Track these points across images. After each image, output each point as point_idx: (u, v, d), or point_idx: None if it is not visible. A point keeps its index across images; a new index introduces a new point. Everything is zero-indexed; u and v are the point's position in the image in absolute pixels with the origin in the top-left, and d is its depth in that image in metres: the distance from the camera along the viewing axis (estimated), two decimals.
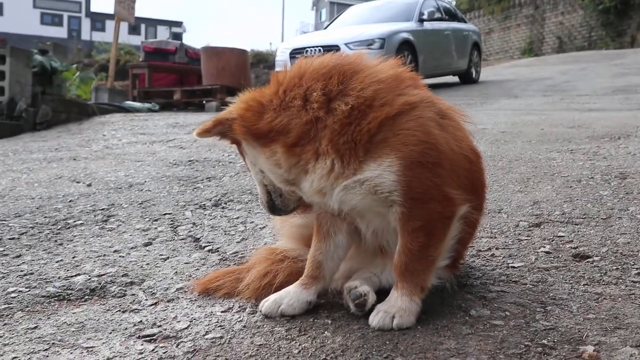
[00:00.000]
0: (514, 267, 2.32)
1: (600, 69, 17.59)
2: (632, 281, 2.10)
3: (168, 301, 2.14)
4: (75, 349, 1.77)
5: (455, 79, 16.92)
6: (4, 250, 2.85)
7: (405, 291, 1.83)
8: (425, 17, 14.94)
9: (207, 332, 1.84)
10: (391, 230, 1.91)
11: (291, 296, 1.95)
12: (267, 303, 1.94)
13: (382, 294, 1.93)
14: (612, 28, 27.93)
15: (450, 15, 16.87)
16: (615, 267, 2.25)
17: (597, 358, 1.55)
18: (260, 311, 1.94)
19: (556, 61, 22.22)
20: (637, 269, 2.22)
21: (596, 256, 2.38)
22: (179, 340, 1.79)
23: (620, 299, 1.95)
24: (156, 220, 3.33)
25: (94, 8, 61.38)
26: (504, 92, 13.14)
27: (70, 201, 3.83)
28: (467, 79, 16.67)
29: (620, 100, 9.76)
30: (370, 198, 1.79)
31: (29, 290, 2.29)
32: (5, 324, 1.98)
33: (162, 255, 2.71)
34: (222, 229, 3.12)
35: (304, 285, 1.97)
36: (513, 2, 33.46)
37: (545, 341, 1.67)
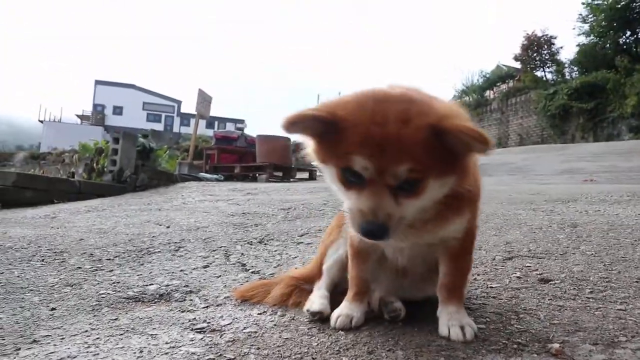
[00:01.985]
0: (492, 287, 2.14)
1: (550, 157, 17.35)
2: (587, 297, 1.93)
3: (217, 305, 2.01)
4: (143, 335, 1.66)
5: None
6: (102, 267, 2.79)
7: (459, 304, 1.59)
8: None
9: (245, 327, 1.71)
10: (426, 257, 1.65)
11: (356, 310, 1.67)
12: (340, 318, 1.64)
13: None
14: (557, 129, 27.83)
15: None
16: (572, 288, 2.07)
17: (562, 352, 1.37)
18: (335, 327, 1.63)
19: (518, 151, 22.04)
20: (590, 289, 2.04)
21: (557, 280, 2.20)
22: (222, 333, 1.66)
23: (578, 309, 1.78)
24: (214, 250, 3.23)
25: (183, 110, 63.78)
26: (483, 171, 12.78)
27: (152, 237, 3.76)
28: None
29: (567, 178, 9.56)
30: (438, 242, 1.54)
31: (115, 293, 2.22)
32: (95, 316, 1.91)
33: (215, 274, 2.59)
34: (263, 257, 3.00)
35: (360, 300, 1.70)
36: (486, 109, 33.73)
37: (519, 340, 1.50)
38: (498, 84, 36.12)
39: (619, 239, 3.04)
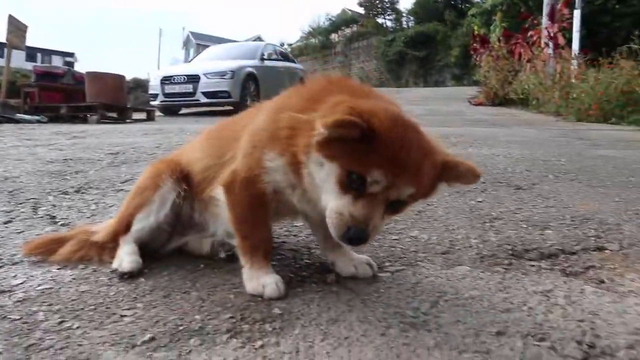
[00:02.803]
0: (294, 226, 2.35)
1: None
2: None
3: (12, 264, 1.89)
4: None
5: None
6: None
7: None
8: (265, 57, 15.03)
9: (39, 285, 1.65)
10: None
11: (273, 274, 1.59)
12: (269, 288, 1.54)
13: None
14: (394, 73, 30.10)
15: (284, 57, 17.11)
16: None
17: (334, 281, 1.61)
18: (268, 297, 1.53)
19: None
20: None
21: None
22: (12, 293, 1.59)
23: None
24: (20, 203, 2.96)
25: None
26: None
27: None
28: None
29: None
30: None
31: None
32: None
33: (18, 229, 2.40)
34: (77, 208, 2.85)
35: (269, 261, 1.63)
36: (330, 52, 34.78)
37: (304, 273, 1.70)
38: (343, 28, 37.29)
39: None
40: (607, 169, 3.99)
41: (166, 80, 13.29)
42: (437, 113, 12.52)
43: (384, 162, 1.24)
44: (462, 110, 13.89)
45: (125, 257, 1.76)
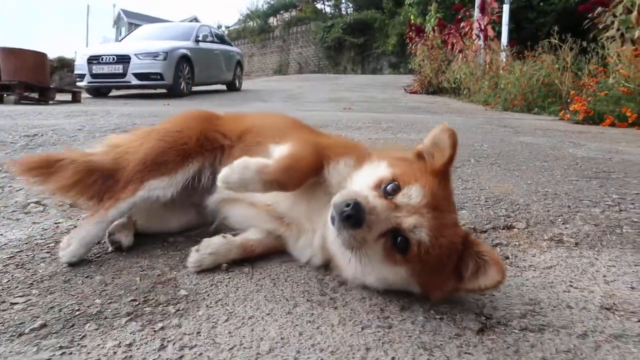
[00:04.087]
0: None
1: (323, 86, 18.85)
2: None
3: None
4: None
5: (224, 87, 16.80)
6: None
7: None
8: (200, 38, 14.57)
9: None
10: None
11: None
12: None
13: None
14: (332, 60, 30.22)
15: (220, 39, 16.64)
16: None
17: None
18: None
19: (296, 79, 23.27)
20: None
21: None
22: None
23: None
24: None
25: None
26: (258, 97, 13.35)
27: None
28: (233, 87, 16.68)
29: (332, 106, 10.51)
30: None
31: None
32: None
33: None
34: None
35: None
36: (269, 36, 34.35)
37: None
38: (282, 12, 36.91)
39: None
40: (524, 154, 4.20)
41: (94, 59, 12.57)
42: (373, 100, 12.71)
43: (426, 185, 1.28)
44: (397, 97, 14.18)
45: (121, 230, 1.73)
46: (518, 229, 2.12)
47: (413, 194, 1.25)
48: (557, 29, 10.14)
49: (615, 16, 7.91)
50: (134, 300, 1.35)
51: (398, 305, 1.33)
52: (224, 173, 1.41)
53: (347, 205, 1.19)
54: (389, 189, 1.28)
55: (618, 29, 7.80)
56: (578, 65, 9.70)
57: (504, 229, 2.11)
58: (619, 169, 3.58)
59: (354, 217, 1.19)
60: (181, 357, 1.09)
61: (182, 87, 13.10)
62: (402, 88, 17.93)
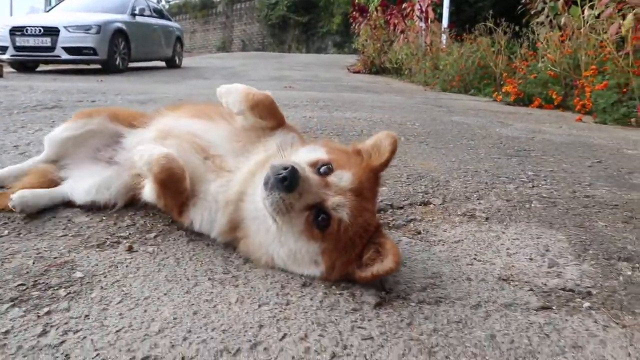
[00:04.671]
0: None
1: (266, 64, 18.54)
2: None
3: None
4: None
5: (163, 64, 16.19)
6: None
7: None
8: (137, 12, 13.89)
9: None
10: None
11: None
12: None
13: None
14: (277, 38, 29.78)
15: (158, 13, 15.94)
16: None
17: (131, 247, 1.52)
18: None
19: (239, 57, 22.79)
20: None
21: None
22: None
23: None
24: None
25: None
26: (199, 75, 12.96)
27: None
28: (172, 64, 16.08)
29: (274, 84, 10.35)
30: None
31: None
32: None
33: None
34: None
35: None
36: (211, 12, 33.33)
37: (123, 234, 1.59)
38: None
39: None
40: (454, 133, 4.31)
41: (17, 31, 11.70)
42: (315, 79, 12.65)
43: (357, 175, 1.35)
44: (340, 77, 14.18)
45: None
46: (434, 205, 2.16)
47: (344, 177, 1.32)
48: (493, 13, 10.42)
49: (545, 2, 8.21)
50: (22, 284, 1.27)
51: (299, 282, 1.32)
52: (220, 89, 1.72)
53: (285, 168, 1.23)
54: (323, 170, 1.35)
55: (547, 15, 8.12)
56: (512, 48, 10.04)
57: (420, 205, 2.15)
58: (538, 148, 3.75)
59: (288, 179, 1.22)
60: (62, 342, 1.03)
61: (117, 62, 12.48)
62: (346, 68, 17.95)
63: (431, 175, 2.69)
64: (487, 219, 2.01)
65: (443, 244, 1.70)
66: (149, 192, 1.54)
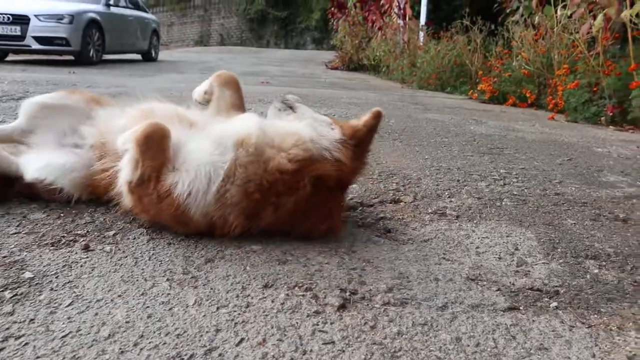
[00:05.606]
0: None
1: (244, 59, 18.37)
2: None
3: None
4: None
5: (139, 57, 15.86)
6: None
7: None
8: (111, 2, 13.54)
9: None
10: None
11: None
12: None
13: None
14: (255, 32, 29.50)
15: (134, 5, 15.58)
16: None
17: (88, 246, 1.45)
18: None
19: (216, 51, 22.54)
20: None
21: None
22: None
23: None
24: None
25: None
26: (175, 69, 12.75)
27: None
28: (148, 57, 15.76)
29: (250, 79, 10.24)
30: None
31: None
32: None
33: None
34: None
35: None
36: (189, 5, 32.81)
37: (80, 232, 1.51)
38: None
39: None
40: (428, 130, 4.31)
41: None
42: (293, 75, 12.57)
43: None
44: (317, 73, 14.11)
45: None
46: (405, 202, 2.13)
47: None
48: (469, 11, 10.48)
49: (520, 1, 8.29)
50: None
51: (261, 283, 1.27)
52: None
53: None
54: None
55: (522, 14, 8.19)
56: (487, 47, 10.12)
57: (391, 202, 2.12)
58: (511, 146, 3.76)
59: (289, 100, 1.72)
60: (1, 349, 0.96)
61: (91, 54, 12.15)
62: (324, 64, 17.87)
63: (403, 172, 2.66)
64: (457, 217, 1.99)
65: (412, 243, 1.67)
66: (126, 162, 1.45)
